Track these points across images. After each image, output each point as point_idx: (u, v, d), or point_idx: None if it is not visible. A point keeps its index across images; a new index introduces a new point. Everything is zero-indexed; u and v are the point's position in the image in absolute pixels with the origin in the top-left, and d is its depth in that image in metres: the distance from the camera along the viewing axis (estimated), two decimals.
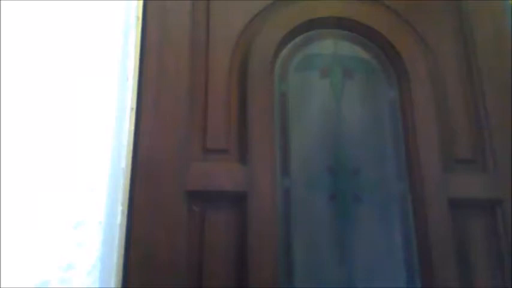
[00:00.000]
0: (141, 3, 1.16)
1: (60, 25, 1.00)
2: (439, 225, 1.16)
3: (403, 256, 1.16)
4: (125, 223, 0.99)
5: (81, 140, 0.94)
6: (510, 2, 1.40)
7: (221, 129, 1.15)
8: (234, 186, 1.10)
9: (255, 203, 1.09)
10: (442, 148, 1.24)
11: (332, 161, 1.18)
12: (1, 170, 0.89)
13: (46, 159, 0.91)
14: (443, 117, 1.28)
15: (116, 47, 1.03)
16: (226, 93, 1.18)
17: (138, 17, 1.15)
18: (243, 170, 1.12)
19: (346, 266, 1.13)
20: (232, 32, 1.24)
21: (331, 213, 1.15)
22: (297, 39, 1.29)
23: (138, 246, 1.00)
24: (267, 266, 1.05)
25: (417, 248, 1.16)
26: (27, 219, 0.87)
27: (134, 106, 1.09)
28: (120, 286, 0.95)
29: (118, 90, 1.02)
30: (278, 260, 1.07)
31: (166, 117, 1.12)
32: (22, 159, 0.90)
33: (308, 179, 1.17)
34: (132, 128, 1.07)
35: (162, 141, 1.10)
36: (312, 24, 1.30)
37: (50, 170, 0.91)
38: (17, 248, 0.85)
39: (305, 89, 1.24)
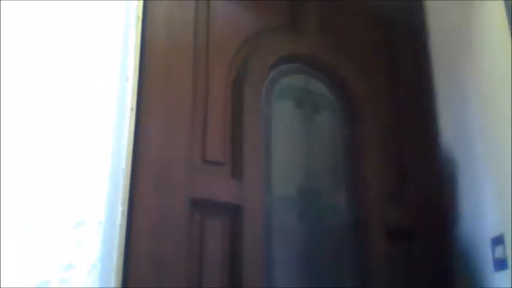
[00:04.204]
0: (141, 3, 1.16)
1: (60, 25, 1.00)
2: (377, 250, 1.26)
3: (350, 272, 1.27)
4: (124, 223, 0.99)
5: (82, 140, 0.94)
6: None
7: (219, 142, 1.19)
8: (230, 198, 1.15)
9: (248, 216, 1.14)
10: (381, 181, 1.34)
11: (302, 183, 1.28)
12: (1, 170, 0.89)
13: (46, 160, 0.91)
14: (387, 153, 1.38)
15: (116, 47, 1.03)
16: (223, 109, 1.21)
17: (138, 17, 1.14)
18: (238, 185, 1.16)
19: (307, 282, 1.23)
20: (230, 48, 1.26)
21: (301, 230, 1.25)
22: (278, 69, 1.33)
23: (140, 249, 1.01)
24: (256, 274, 1.11)
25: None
26: (27, 219, 0.87)
27: (134, 106, 1.09)
28: (120, 286, 0.95)
29: (118, 90, 1.02)
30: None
31: (171, 123, 1.13)
32: (22, 160, 0.90)
33: (284, 198, 1.25)
34: (132, 128, 1.07)
35: (169, 148, 1.12)
36: (286, 58, 1.34)
37: (50, 170, 0.91)
38: (17, 247, 0.85)
39: (284, 116, 1.32)
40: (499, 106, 1.38)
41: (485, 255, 1.49)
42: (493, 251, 1.45)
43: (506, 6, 1.39)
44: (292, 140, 1.31)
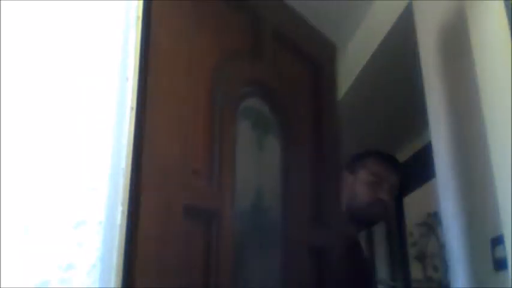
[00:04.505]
0: (141, 2, 1.16)
1: (60, 25, 1.00)
2: (297, 267, 1.39)
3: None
4: (124, 223, 0.99)
5: (81, 140, 0.94)
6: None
7: (205, 151, 1.22)
8: (213, 206, 1.21)
9: (225, 224, 1.21)
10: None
11: (254, 199, 1.39)
12: (1, 170, 0.89)
13: (46, 159, 0.91)
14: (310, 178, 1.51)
15: (116, 47, 1.03)
16: (205, 121, 1.25)
17: (138, 17, 1.14)
18: (218, 195, 1.22)
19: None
20: (211, 62, 1.30)
21: (252, 242, 1.36)
22: (244, 91, 1.41)
23: (140, 249, 1.01)
24: (228, 273, 1.20)
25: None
26: (27, 219, 0.87)
27: (134, 106, 1.08)
28: (120, 286, 0.95)
29: (118, 90, 1.02)
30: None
31: (170, 123, 1.13)
32: (22, 160, 0.90)
33: (242, 212, 1.33)
34: (132, 128, 1.06)
35: (169, 148, 1.12)
36: (252, 82, 1.43)
37: (50, 170, 0.91)
38: (17, 248, 0.85)
39: (244, 135, 1.40)
40: (499, 106, 1.38)
41: (485, 255, 1.49)
42: (493, 251, 1.45)
43: (506, 6, 1.39)
44: (248, 158, 1.42)
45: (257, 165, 1.44)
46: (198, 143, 1.22)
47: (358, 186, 2.01)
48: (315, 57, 1.68)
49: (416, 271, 3.97)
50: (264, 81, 1.47)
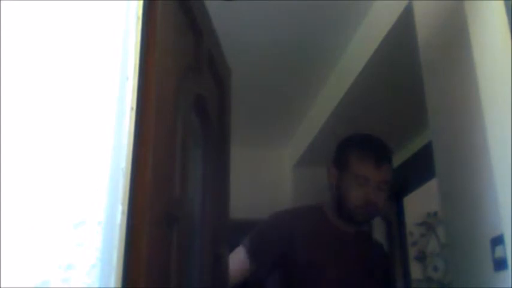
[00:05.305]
0: (141, 3, 1.16)
1: (60, 25, 1.00)
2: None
3: None
4: (125, 223, 0.99)
5: (81, 140, 0.94)
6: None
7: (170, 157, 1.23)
8: (180, 211, 1.25)
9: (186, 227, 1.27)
10: None
11: (189, 207, 1.45)
12: (1, 170, 0.89)
13: (46, 159, 0.91)
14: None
15: (116, 47, 1.03)
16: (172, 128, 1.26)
17: (138, 17, 1.14)
18: (183, 201, 1.27)
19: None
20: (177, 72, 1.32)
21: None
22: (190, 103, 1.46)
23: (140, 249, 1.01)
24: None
25: None
26: (27, 219, 0.87)
27: (134, 106, 1.08)
28: (120, 286, 0.95)
29: (118, 90, 1.02)
30: None
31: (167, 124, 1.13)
32: (22, 160, 0.90)
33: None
34: (132, 128, 1.06)
35: (168, 148, 1.13)
36: (197, 97, 1.49)
37: (49, 170, 0.91)
38: (17, 248, 0.85)
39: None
40: (499, 106, 1.38)
41: (485, 255, 1.49)
42: (493, 251, 1.45)
43: (506, 6, 1.39)
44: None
45: (193, 175, 1.48)
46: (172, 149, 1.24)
47: (345, 188, 1.95)
48: (222, 76, 1.81)
49: (416, 271, 3.97)
50: (202, 96, 1.54)
